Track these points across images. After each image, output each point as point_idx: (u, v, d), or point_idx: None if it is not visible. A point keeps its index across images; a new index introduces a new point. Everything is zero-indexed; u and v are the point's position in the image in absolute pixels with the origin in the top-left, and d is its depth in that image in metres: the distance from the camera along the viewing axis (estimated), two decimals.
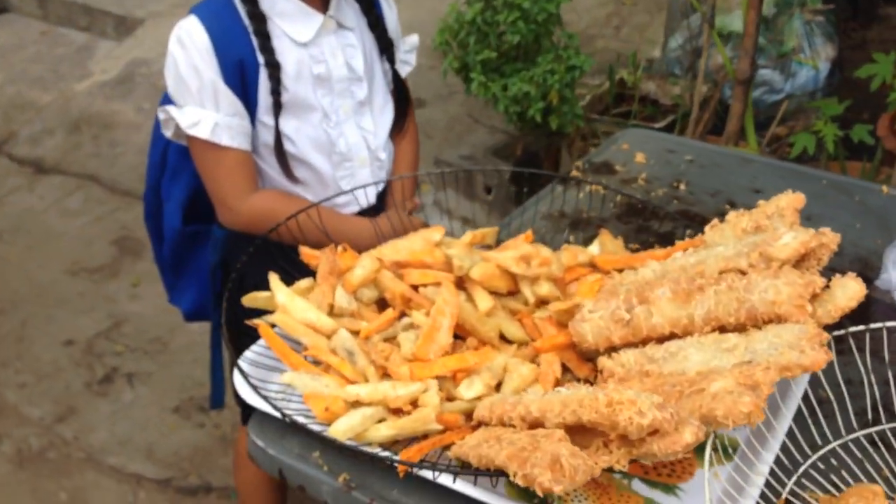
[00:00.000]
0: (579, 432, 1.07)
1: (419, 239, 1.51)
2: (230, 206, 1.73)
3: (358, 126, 1.78)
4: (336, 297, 1.39)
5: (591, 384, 1.33)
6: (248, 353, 1.34)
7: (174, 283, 1.97)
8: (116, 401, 3.16)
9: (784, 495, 1.18)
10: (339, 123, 1.74)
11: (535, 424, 1.11)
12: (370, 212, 1.83)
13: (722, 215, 1.85)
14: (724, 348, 1.19)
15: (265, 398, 1.22)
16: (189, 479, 2.87)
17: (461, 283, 1.43)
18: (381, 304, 1.44)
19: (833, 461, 1.24)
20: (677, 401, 1.11)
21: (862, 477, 1.22)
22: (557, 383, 1.32)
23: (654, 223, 1.77)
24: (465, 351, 1.37)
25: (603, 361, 1.28)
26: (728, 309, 1.22)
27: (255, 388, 1.23)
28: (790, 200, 1.39)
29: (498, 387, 1.30)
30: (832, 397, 1.30)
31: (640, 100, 3.60)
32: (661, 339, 1.27)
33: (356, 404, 1.22)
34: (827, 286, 1.22)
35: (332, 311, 1.39)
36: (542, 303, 1.44)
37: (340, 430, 1.16)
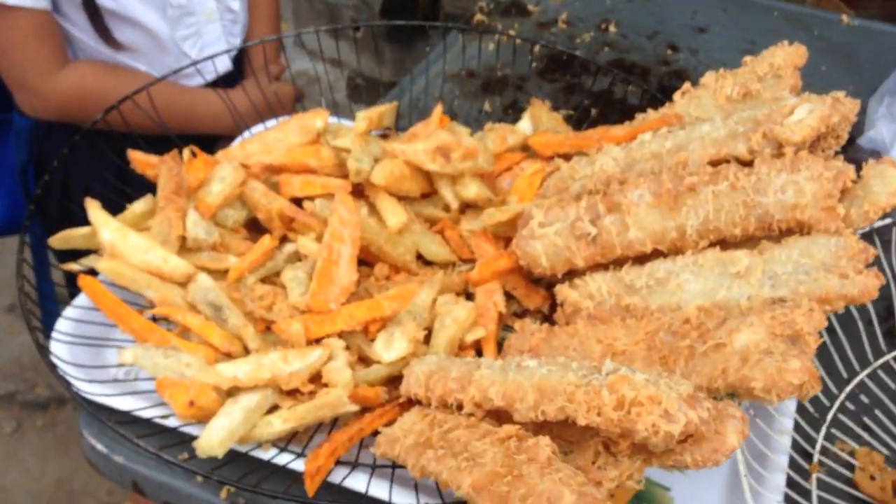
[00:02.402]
0: (561, 424, 0.76)
1: (295, 127, 1.11)
2: (31, 88, 1.28)
3: None
4: (188, 224, 0.99)
5: (547, 317, 1.01)
6: (63, 322, 0.94)
7: None
8: None
9: (816, 457, 0.91)
10: None
11: (497, 413, 0.79)
12: (227, 81, 1.39)
13: (665, 63, 1.52)
14: (732, 273, 0.88)
15: (93, 404, 0.84)
16: (36, 391, 2.46)
17: (360, 191, 1.06)
18: (254, 227, 1.05)
19: (863, 397, 0.98)
20: (687, 362, 0.81)
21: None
22: (501, 319, 1.00)
23: (586, 79, 1.41)
24: (374, 284, 1.02)
25: (564, 291, 0.96)
26: (732, 217, 0.90)
27: (75, 390, 0.85)
28: (788, 56, 1.05)
29: (427, 336, 0.96)
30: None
31: None
32: (641, 259, 0.95)
33: (234, 391, 0.86)
34: (858, 176, 0.91)
35: (184, 246, 0.99)
36: (467, 206, 1.09)
37: (215, 443, 0.80)
